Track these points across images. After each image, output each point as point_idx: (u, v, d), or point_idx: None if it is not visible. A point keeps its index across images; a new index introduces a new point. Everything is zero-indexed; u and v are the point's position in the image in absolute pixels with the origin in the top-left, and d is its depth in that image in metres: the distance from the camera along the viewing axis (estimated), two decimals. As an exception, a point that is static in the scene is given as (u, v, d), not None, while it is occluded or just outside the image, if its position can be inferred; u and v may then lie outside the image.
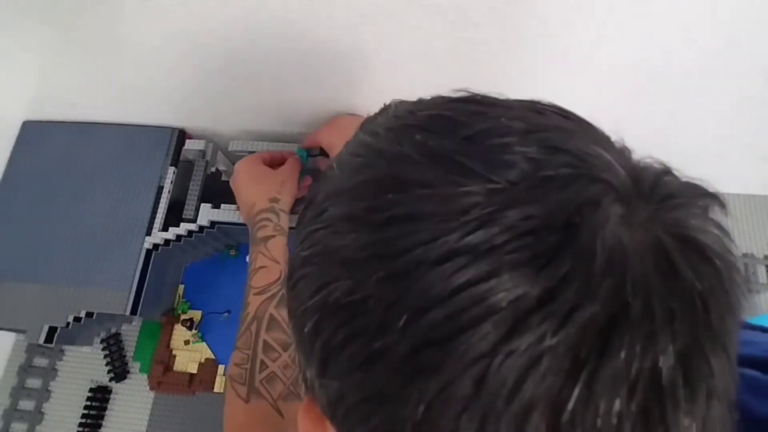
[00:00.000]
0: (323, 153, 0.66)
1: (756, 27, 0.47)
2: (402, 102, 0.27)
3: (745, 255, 0.72)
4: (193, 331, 0.72)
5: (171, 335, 0.72)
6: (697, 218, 0.20)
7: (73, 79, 0.65)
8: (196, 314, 0.73)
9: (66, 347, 0.73)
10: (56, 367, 0.73)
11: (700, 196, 0.21)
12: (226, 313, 0.72)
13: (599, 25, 0.47)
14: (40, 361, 0.73)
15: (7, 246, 0.67)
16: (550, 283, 0.17)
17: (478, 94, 0.24)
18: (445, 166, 0.20)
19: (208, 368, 0.70)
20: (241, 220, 0.65)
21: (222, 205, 0.66)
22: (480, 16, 0.47)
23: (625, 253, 0.17)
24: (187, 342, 0.72)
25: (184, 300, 0.74)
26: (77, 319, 0.63)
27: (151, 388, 0.70)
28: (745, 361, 0.28)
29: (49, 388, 0.72)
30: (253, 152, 0.68)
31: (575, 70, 0.54)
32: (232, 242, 0.76)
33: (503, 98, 0.24)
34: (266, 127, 0.71)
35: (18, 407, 0.71)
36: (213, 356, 0.71)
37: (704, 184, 0.22)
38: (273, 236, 0.56)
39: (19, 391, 0.71)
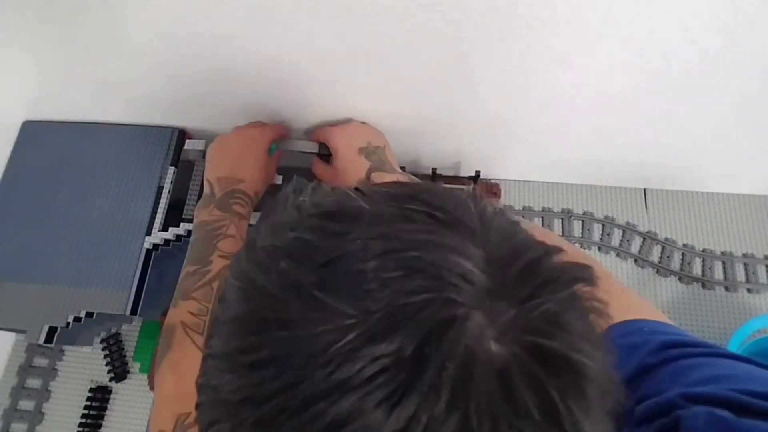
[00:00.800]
0: (325, 151, 0.66)
1: (756, 27, 0.47)
2: (296, 191, 0.27)
3: (744, 255, 0.72)
4: (193, 331, 0.71)
5: (171, 335, 0.72)
6: (557, 317, 0.20)
7: (73, 79, 0.65)
8: (196, 314, 0.73)
9: (66, 347, 0.73)
10: (56, 367, 0.73)
11: (566, 284, 0.21)
12: (226, 313, 0.72)
13: (599, 25, 0.47)
14: (40, 361, 0.73)
15: (7, 246, 0.67)
16: (399, 424, 0.18)
17: (347, 204, 0.24)
18: (303, 300, 0.20)
19: (208, 368, 0.70)
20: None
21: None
22: (480, 16, 0.47)
23: (469, 384, 0.18)
24: (187, 342, 0.71)
25: (184, 300, 0.74)
26: (77, 319, 0.63)
27: (151, 388, 0.70)
28: (718, 401, 0.28)
29: (49, 388, 0.72)
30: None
31: (576, 70, 0.54)
32: (232, 242, 0.76)
33: (373, 201, 0.24)
34: (266, 127, 0.70)
35: (18, 407, 0.71)
36: (213, 356, 0.71)
37: (574, 269, 0.22)
38: (245, 218, 0.58)
39: (19, 391, 0.71)
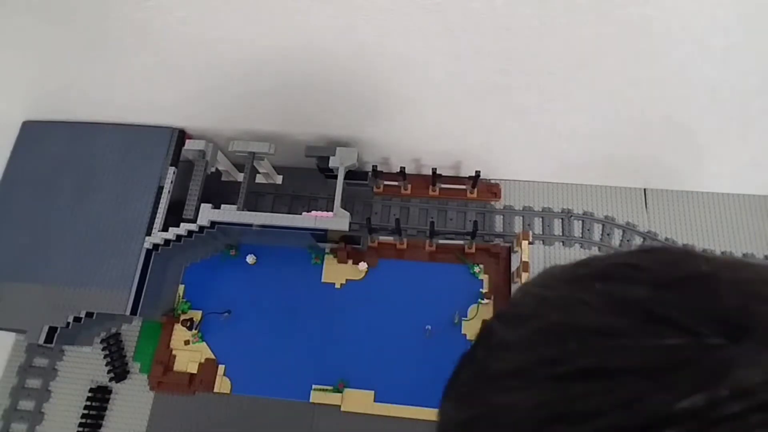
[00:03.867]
0: (324, 165, 0.65)
1: (757, 28, 0.47)
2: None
3: (744, 255, 0.72)
4: (193, 331, 0.72)
5: (171, 335, 0.72)
6: None
7: (73, 79, 0.65)
8: (196, 314, 0.73)
9: (66, 347, 0.73)
10: (56, 367, 0.73)
11: None
12: (226, 313, 0.72)
13: (600, 24, 0.47)
14: (40, 361, 0.73)
15: (8, 246, 0.67)
16: None
17: (661, 246, 0.20)
18: (634, 314, 0.17)
19: (208, 368, 0.70)
20: (240, 220, 0.65)
21: (222, 206, 0.66)
22: (477, 16, 0.47)
23: None
24: (187, 342, 0.72)
25: (184, 300, 0.74)
26: (77, 319, 0.63)
27: (151, 388, 0.70)
28: None
29: (49, 388, 0.72)
30: (253, 153, 0.68)
31: (576, 70, 0.54)
32: (232, 242, 0.76)
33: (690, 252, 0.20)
34: (266, 128, 0.71)
35: (18, 407, 0.70)
36: (213, 356, 0.71)
37: None
38: None
39: (19, 391, 0.71)
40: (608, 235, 0.74)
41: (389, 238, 0.74)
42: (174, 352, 0.71)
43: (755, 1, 0.44)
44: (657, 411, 0.15)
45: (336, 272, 0.72)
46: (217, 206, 0.67)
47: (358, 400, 0.67)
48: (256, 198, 0.77)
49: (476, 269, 0.72)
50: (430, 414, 0.61)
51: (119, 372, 0.71)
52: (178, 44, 0.55)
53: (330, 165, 0.67)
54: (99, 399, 0.70)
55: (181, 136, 0.71)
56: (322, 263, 0.73)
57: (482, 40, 0.50)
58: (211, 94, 0.64)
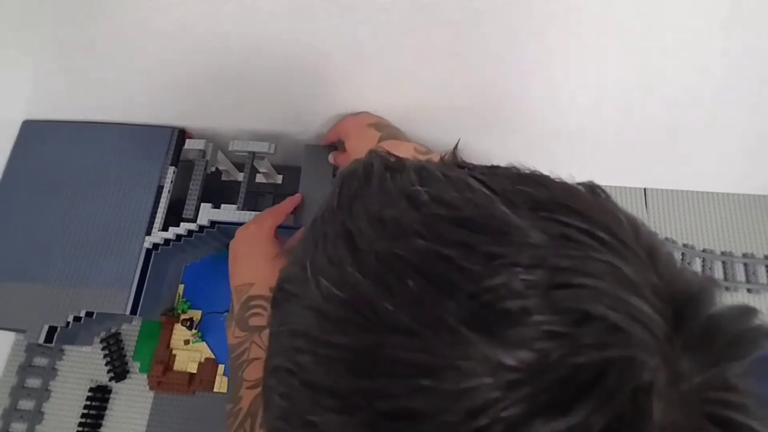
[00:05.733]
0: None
1: (759, 34, 0.47)
2: (391, 169, 0.22)
3: (744, 255, 0.72)
4: (193, 330, 0.72)
5: (171, 335, 0.72)
6: (740, 385, 0.17)
7: (73, 79, 0.65)
8: (196, 314, 0.73)
9: (66, 347, 0.73)
10: (56, 366, 0.73)
11: (749, 347, 0.17)
12: (226, 313, 0.72)
13: (600, 25, 0.47)
14: (40, 361, 0.73)
15: (7, 246, 0.67)
16: None
17: (490, 211, 0.19)
18: (445, 340, 0.16)
19: (208, 368, 0.70)
20: (240, 220, 0.65)
21: (222, 205, 0.66)
22: (478, 15, 0.47)
23: None
24: (187, 342, 0.72)
25: (184, 300, 0.74)
26: (77, 319, 0.63)
27: (151, 388, 0.70)
28: None
29: (49, 387, 0.72)
30: (253, 152, 0.68)
31: (577, 70, 0.54)
32: (232, 242, 0.76)
33: (518, 210, 0.19)
34: (266, 127, 0.71)
35: (18, 407, 0.71)
36: (213, 356, 0.71)
37: (753, 325, 0.18)
38: (266, 327, 0.50)
39: (18, 391, 0.71)
40: (608, 235, 0.74)
41: None
42: (174, 352, 0.71)
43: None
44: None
45: (336, 272, 0.72)
46: (217, 206, 0.67)
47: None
48: (256, 198, 0.77)
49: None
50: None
51: (119, 372, 0.71)
52: (178, 43, 0.55)
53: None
54: (99, 399, 0.70)
55: (181, 135, 0.71)
56: (322, 263, 0.73)
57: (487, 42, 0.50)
58: (211, 93, 0.64)
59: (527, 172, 0.23)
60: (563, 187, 0.22)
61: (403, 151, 0.56)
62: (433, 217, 0.19)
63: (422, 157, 0.55)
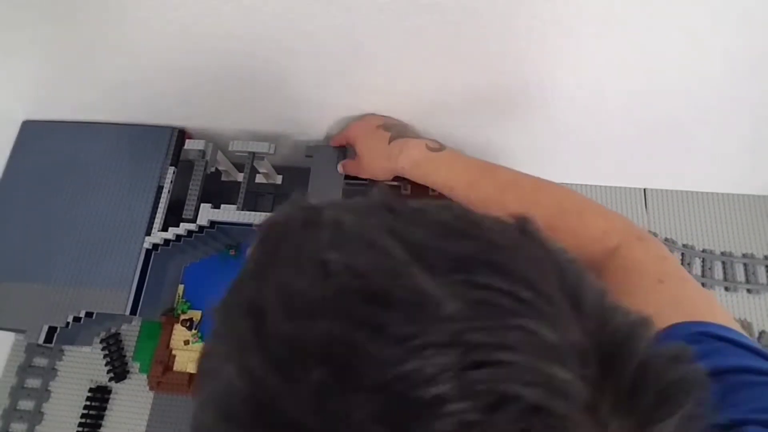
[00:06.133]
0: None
1: (759, 33, 0.47)
2: (309, 225, 0.21)
3: (744, 255, 0.72)
4: (193, 331, 0.72)
5: (171, 335, 0.72)
6: None
7: (73, 79, 0.65)
8: (196, 314, 0.73)
9: (66, 347, 0.73)
10: (56, 367, 0.73)
11: (680, 402, 0.17)
12: (226, 313, 0.72)
13: (600, 25, 0.47)
14: (40, 361, 0.73)
15: (7, 246, 0.67)
16: None
17: (398, 280, 0.17)
18: None
19: (207, 368, 0.70)
20: (240, 220, 0.65)
21: (222, 206, 0.66)
22: (480, 16, 0.47)
23: None
24: (186, 342, 0.72)
25: (184, 300, 0.74)
26: (77, 319, 0.63)
27: (151, 388, 0.70)
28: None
29: (49, 388, 0.72)
30: (253, 153, 0.68)
31: (577, 70, 0.54)
32: (232, 242, 0.76)
33: (431, 270, 0.17)
34: (266, 127, 0.71)
35: (18, 407, 0.71)
36: (213, 356, 0.71)
37: (686, 376, 0.18)
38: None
39: (18, 391, 0.71)
40: (608, 235, 0.74)
41: None
42: (174, 352, 0.71)
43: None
44: None
45: (336, 272, 0.72)
46: (216, 206, 0.66)
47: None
48: (256, 198, 0.77)
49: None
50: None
51: (119, 372, 0.71)
52: (178, 43, 0.55)
53: (330, 164, 0.67)
54: (99, 399, 0.70)
55: (181, 135, 0.71)
56: (322, 263, 0.73)
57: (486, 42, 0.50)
58: (211, 94, 0.64)
59: (457, 215, 0.21)
60: (491, 234, 0.20)
61: (414, 147, 0.56)
62: (342, 291, 0.17)
63: (433, 154, 0.55)
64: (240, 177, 0.69)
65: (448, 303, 0.16)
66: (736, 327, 0.36)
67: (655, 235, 0.73)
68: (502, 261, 0.18)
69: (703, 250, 0.73)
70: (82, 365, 0.73)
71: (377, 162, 0.58)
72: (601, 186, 0.77)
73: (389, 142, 0.56)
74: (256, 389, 0.17)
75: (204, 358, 0.20)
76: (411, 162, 0.55)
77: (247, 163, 0.68)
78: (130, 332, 0.74)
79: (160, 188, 0.68)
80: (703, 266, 0.72)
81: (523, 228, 0.21)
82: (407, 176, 0.56)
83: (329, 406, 0.15)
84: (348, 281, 0.18)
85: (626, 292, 0.40)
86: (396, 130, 0.58)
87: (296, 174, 0.75)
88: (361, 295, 0.17)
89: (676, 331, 0.35)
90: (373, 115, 0.63)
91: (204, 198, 0.68)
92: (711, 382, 0.31)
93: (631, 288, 0.41)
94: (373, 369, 0.15)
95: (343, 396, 0.15)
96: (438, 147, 0.57)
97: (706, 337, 0.34)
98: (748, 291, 0.70)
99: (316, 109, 0.66)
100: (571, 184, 0.77)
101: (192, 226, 0.66)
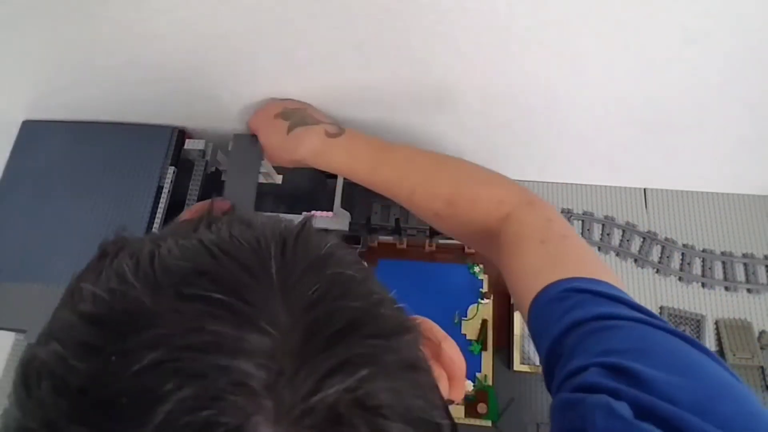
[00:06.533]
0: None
1: (759, 32, 0.47)
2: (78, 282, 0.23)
3: (744, 255, 0.72)
4: (193, 331, 0.71)
5: (171, 335, 0.72)
6: (336, 411, 0.18)
7: (72, 79, 0.65)
8: (196, 314, 0.73)
9: (66, 347, 0.73)
10: (56, 367, 0.73)
11: (353, 369, 0.19)
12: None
13: (599, 25, 0.47)
14: (40, 361, 0.73)
15: (7, 246, 0.67)
16: None
17: (119, 303, 0.20)
18: None
19: (207, 368, 0.70)
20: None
21: None
22: (479, 16, 0.47)
23: None
24: (186, 342, 0.71)
25: (183, 300, 0.74)
26: (77, 319, 0.63)
27: (151, 388, 0.70)
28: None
29: (49, 388, 0.71)
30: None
31: (576, 71, 0.54)
32: (232, 242, 0.76)
33: (149, 288, 0.20)
34: (266, 127, 0.70)
35: (18, 407, 0.70)
36: (213, 356, 0.71)
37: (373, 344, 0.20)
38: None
39: (18, 391, 0.71)
40: (608, 235, 0.74)
41: (389, 238, 0.74)
42: (174, 352, 0.71)
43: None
44: None
45: (335, 272, 0.72)
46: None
47: (358, 400, 0.66)
48: (256, 198, 0.77)
49: (476, 269, 0.72)
50: (430, 414, 0.61)
51: (119, 372, 0.71)
52: (178, 43, 0.55)
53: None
54: (99, 399, 0.70)
55: (181, 135, 0.71)
56: (322, 263, 0.73)
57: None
58: (211, 94, 0.64)
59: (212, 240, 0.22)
60: (217, 238, 0.22)
61: (312, 135, 0.55)
62: (77, 320, 0.20)
63: (331, 140, 0.55)
64: (240, 177, 0.69)
65: (159, 312, 0.19)
66: (610, 280, 0.38)
67: (655, 235, 0.74)
68: (210, 269, 0.20)
69: (703, 250, 0.73)
70: (82, 365, 0.73)
71: (278, 153, 0.58)
72: (601, 186, 0.77)
73: (288, 132, 0.56)
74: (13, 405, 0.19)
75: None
76: (310, 152, 0.55)
77: (247, 163, 0.68)
78: (130, 332, 0.74)
79: (160, 188, 0.68)
80: (703, 266, 0.72)
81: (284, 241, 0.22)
82: (310, 166, 0.55)
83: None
84: (87, 307, 0.20)
85: (513, 254, 0.43)
86: (295, 118, 0.57)
87: (296, 174, 0.74)
88: (89, 320, 0.20)
89: (547, 291, 0.38)
90: (273, 100, 0.61)
91: (204, 198, 0.68)
92: (571, 335, 0.33)
93: (516, 250, 0.43)
94: (101, 386, 0.17)
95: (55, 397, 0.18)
96: (337, 131, 0.56)
97: (572, 292, 0.37)
98: (748, 291, 0.70)
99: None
100: (572, 184, 0.77)
101: (192, 226, 0.66)
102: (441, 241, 0.74)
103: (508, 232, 0.46)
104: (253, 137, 0.65)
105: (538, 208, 0.48)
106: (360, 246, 0.72)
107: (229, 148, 0.66)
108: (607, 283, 0.38)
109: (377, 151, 0.55)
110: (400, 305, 0.25)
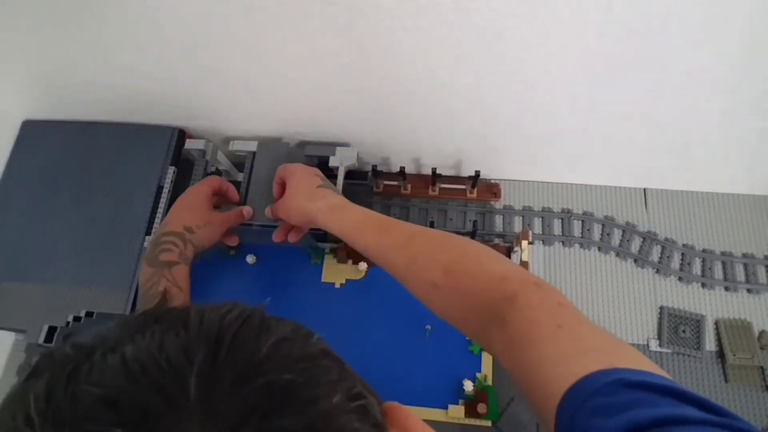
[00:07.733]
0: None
1: (759, 32, 0.47)
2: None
3: (744, 255, 0.72)
4: (193, 330, 0.72)
5: (171, 335, 0.72)
6: None
7: (73, 79, 0.65)
8: (196, 314, 0.73)
9: (66, 347, 0.73)
10: (56, 366, 0.73)
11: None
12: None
13: (598, 25, 0.48)
14: (40, 361, 0.73)
15: (7, 245, 0.67)
16: None
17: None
18: None
19: (207, 368, 0.70)
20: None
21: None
22: (479, 16, 0.47)
23: None
24: (186, 342, 0.71)
25: (184, 300, 0.74)
26: (77, 319, 0.63)
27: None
28: None
29: (49, 387, 0.72)
30: (254, 152, 0.68)
31: (576, 70, 0.54)
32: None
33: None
34: (266, 127, 0.71)
35: (18, 407, 0.70)
36: (213, 356, 0.71)
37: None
38: (177, 263, 0.56)
39: (18, 391, 0.71)
40: (608, 235, 0.74)
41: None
42: (174, 352, 0.71)
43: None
44: None
45: (336, 272, 0.72)
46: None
47: (358, 400, 0.66)
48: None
49: (476, 269, 0.72)
50: (429, 414, 0.61)
51: (119, 372, 0.71)
52: (178, 43, 0.55)
53: (330, 165, 0.67)
54: (99, 399, 0.70)
55: (181, 135, 0.71)
56: (322, 263, 0.73)
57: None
58: (211, 94, 0.64)
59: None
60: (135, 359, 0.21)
61: (337, 195, 0.58)
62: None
63: (351, 203, 0.57)
64: (240, 177, 0.69)
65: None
66: (646, 363, 0.34)
67: (654, 235, 0.74)
68: (119, 397, 0.19)
69: (703, 250, 0.73)
70: (82, 365, 0.73)
71: (297, 200, 0.59)
72: (601, 186, 0.77)
73: (317, 187, 0.59)
74: None
75: None
76: (329, 205, 0.57)
77: (247, 162, 0.68)
78: (130, 332, 0.74)
79: (160, 188, 0.68)
80: (703, 266, 0.72)
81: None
82: (320, 220, 0.57)
83: None
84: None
85: (529, 341, 0.39)
86: (328, 183, 0.61)
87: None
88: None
89: (587, 383, 0.32)
90: (315, 168, 0.64)
91: (204, 198, 0.68)
92: None
93: (531, 337, 0.39)
94: None
95: None
96: (342, 203, 0.58)
97: (620, 387, 0.31)
98: (748, 291, 0.70)
99: (315, 108, 0.66)
100: (572, 184, 0.77)
101: (192, 226, 0.66)
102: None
103: (520, 318, 0.41)
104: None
105: (547, 290, 0.44)
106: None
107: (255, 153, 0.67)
108: (659, 375, 0.33)
109: (390, 219, 0.55)
110: (361, 401, 0.22)
